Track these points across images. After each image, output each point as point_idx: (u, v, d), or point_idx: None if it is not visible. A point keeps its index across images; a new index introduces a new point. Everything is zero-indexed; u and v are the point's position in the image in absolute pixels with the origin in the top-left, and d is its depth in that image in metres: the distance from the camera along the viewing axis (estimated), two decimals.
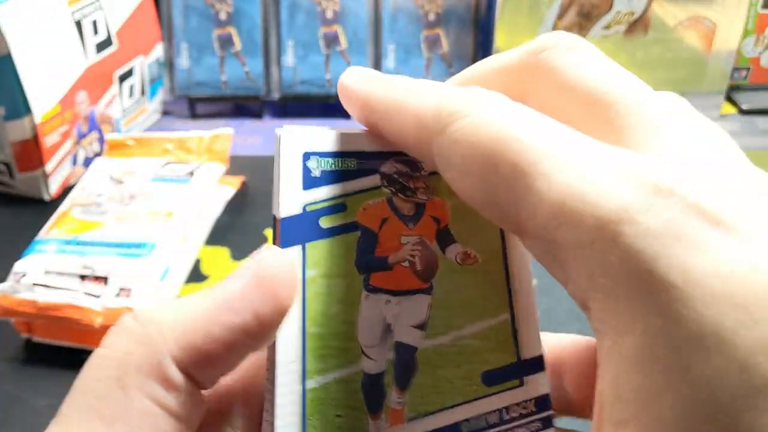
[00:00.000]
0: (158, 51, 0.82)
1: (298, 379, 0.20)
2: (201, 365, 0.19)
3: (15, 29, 0.62)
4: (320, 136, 0.22)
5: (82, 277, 0.50)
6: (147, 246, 0.53)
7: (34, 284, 0.50)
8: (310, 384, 0.20)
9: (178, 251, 0.55)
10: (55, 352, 0.51)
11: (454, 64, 0.84)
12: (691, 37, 0.81)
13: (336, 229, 0.21)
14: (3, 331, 0.52)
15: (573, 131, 0.16)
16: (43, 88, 0.65)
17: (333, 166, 0.21)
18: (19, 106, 0.64)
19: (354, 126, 0.22)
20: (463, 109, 0.17)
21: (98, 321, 0.48)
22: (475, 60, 0.83)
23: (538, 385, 0.21)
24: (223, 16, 0.82)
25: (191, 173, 0.62)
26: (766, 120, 0.84)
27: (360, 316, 0.20)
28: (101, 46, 0.72)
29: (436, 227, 0.21)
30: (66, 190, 0.67)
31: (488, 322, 0.21)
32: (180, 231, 0.57)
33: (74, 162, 0.71)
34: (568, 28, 0.79)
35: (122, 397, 0.18)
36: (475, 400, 0.21)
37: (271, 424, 0.20)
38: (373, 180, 0.21)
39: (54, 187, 0.68)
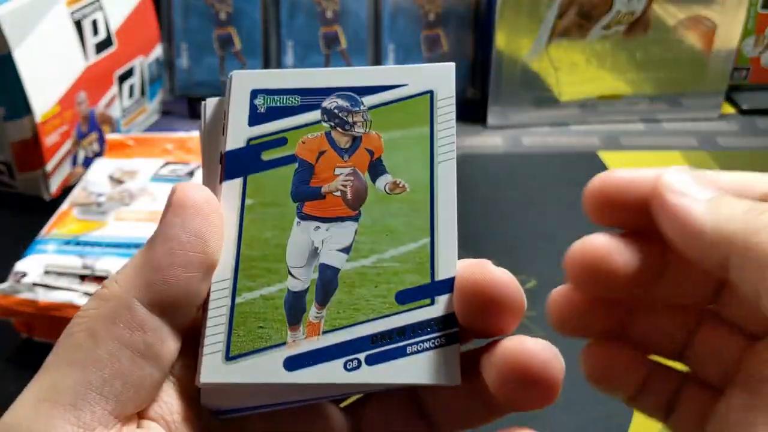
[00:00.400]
0: (158, 51, 0.82)
1: (229, 295, 0.22)
2: (165, 298, 0.21)
3: (15, 29, 0.62)
4: (268, 75, 0.23)
5: (82, 277, 0.50)
6: None
7: (34, 284, 0.50)
8: (239, 300, 0.22)
9: None
10: None
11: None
12: (691, 37, 0.81)
13: (275, 162, 0.23)
14: (3, 331, 0.52)
15: None
16: (43, 88, 0.65)
17: (278, 102, 0.23)
18: (19, 106, 0.64)
19: None
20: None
21: None
22: (475, 60, 0.83)
23: (448, 304, 0.22)
24: (223, 16, 0.82)
25: (191, 173, 0.62)
26: (766, 120, 0.84)
27: (290, 240, 0.23)
28: (101, 46, 0.72)
29: (370, 159, 0.23)
30: (66, 190, 0.67)
31: (409, 247, 0.23)
32: None
33: (74, 162, 0.71)
34: (568, 28, 0.79)
35: (92, 345, 0.20)
36: (388, 316, 0.22)
37: (203, 336, 0.22)
38: (314, 115, 0.23)
39: (54, 187, 0.68)
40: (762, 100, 0.86)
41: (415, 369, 0.21)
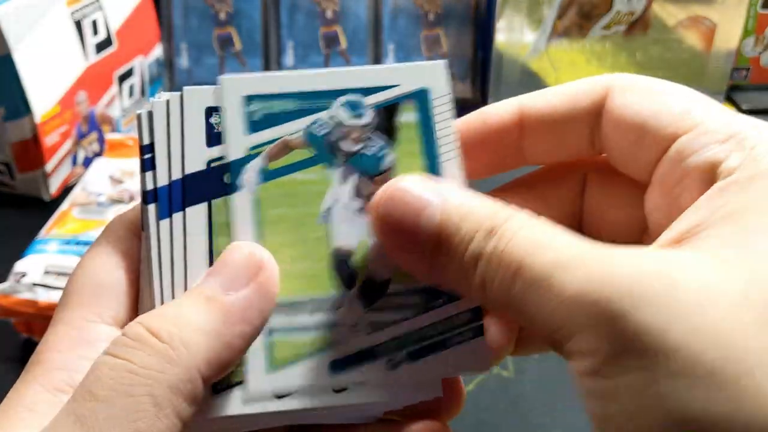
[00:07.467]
0: (158, 51, 0.82)
1: None
2: (220, 373, 0.21)
3: (15, 29, 0.62)
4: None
5: None
6: None
7: (34, 284, 0.50)
8: None
9: None
10: None
11: (453, 64, 0.84)
12: (691, 37, 0.81)
13: None
14: (3, 331, 0.52)
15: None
16: (43, 88, 0.65)
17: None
18: (19, 106, 0.64)
19: None
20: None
21: None
22: (474, 60, 0.83)
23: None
24: (223, 16, 0.82)
25: None
26: (767, 120, 0.84)
27: None
28: (101, 46, 0.72)
29: None
30: (66, 190, 0.67)
31: None
32: None
33: (74, 162, 0.71)
34: (568, 28, 0.79)
35: (155, 415, 0.19)
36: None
37: None
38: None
39: (54, 187, 0.68)
40: (762, 100, 0.86)
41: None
